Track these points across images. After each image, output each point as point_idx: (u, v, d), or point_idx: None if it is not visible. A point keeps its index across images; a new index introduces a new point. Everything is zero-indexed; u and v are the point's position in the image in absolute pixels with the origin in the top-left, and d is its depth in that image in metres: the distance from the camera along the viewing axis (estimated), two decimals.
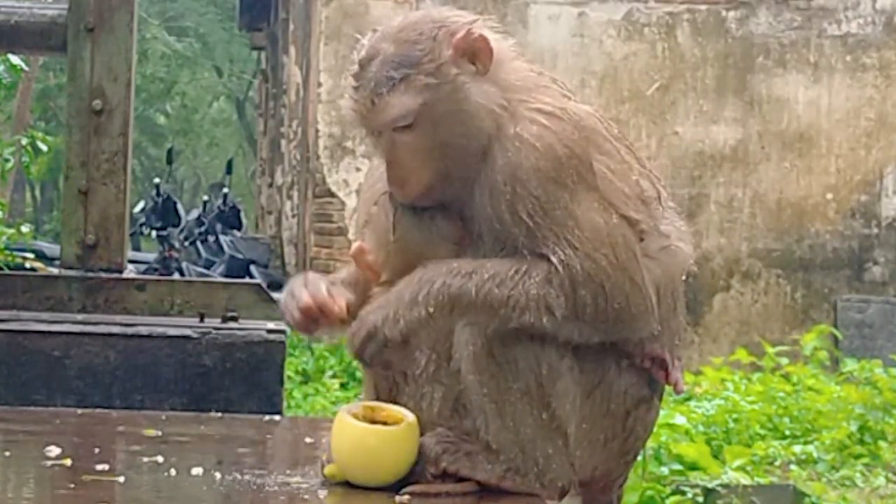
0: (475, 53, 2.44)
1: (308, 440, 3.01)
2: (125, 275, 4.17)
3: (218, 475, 2.53)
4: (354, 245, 2.55)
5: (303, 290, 2.51)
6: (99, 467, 2.55)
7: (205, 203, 17.36)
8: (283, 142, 18.17)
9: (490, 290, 2.37)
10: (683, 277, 2.56)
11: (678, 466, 7.67)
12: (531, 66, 2.53)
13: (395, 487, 2.40)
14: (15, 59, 9.08)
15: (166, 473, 2.54)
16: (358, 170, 12.65)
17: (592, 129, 2.46)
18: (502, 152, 2.41)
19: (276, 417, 3.55)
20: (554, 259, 2.36)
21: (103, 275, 4.09)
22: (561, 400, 2.42)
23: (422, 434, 2.43)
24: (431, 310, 2.38)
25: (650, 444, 6.95)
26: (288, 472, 2.59)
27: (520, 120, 2.42)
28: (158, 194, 16.02)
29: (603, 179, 2.43)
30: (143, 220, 15.80)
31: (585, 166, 2.42)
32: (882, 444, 8.92)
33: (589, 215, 2.39)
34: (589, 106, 2.51)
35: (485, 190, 2.42)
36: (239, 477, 2.52)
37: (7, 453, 2.73)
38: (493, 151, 2.42)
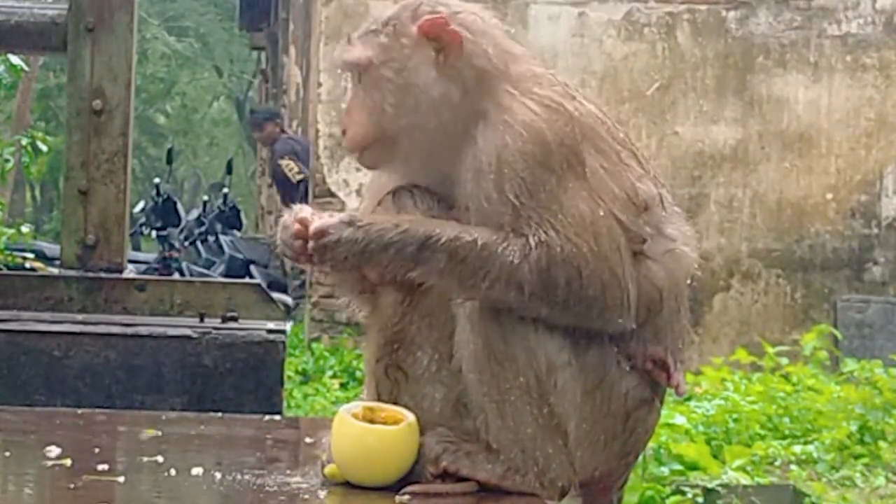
0: (442, 45, 2.48)
1: (308, 440, 3.00)
2: (125, 275, 4.16)
3: (218, 475, 2.53)
4: None
5: (300, 213, 2.48)
6: (99, 467, 2.55)
7: (205, 203, 17.33)
8: None
9: (462, 261, 2.38)
10: (688, 281, 2.56)
11: (678, 466, 7.67)
12: (538, 69, 2.53)
13: (395, 487, 2.40)
14: (15, 59, 9.09)
15: (166, 473, 2.54)
16: (358, 170, 12.64)
17: (590, 128, 2.47)
18: (490, 135, 2.43)
19: (276, 417, 3.55)
20: (532, 238, 2.37)
21: (103, 275, 4.09)
22: (560, 397, 2.42)
23: (422, 434, 2.43)
24: (395, 263, 2.39)
25: (650, 444, 6.95)
26: (288, 472, 2.59)
27: (507, 109, 2.44)
28: (158, 194, 15.99)
29: (594, 175, 2.44)
30: (143, 220, 15.77)
31: (575, 156, 2.43)
32: (882, 444, 8.91)
33: (574, 202, 2.40)
34: (594, 106, 2.51)
35: (470, 171, 2.44)
36: (239, 477, 2.52)
37: (7, 453, 2.73)
38: (479, 135, 2.44)
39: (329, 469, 2.47)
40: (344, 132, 2.55)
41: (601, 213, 2.41)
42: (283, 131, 15.04)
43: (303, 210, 2.47)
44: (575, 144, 2.43)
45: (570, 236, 2.37)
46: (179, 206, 16.36)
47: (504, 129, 2.42)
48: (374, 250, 2.39)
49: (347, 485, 2.44)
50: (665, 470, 7.54)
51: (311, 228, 2.41)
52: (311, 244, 2.41)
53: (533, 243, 2.37)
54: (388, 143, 2.51)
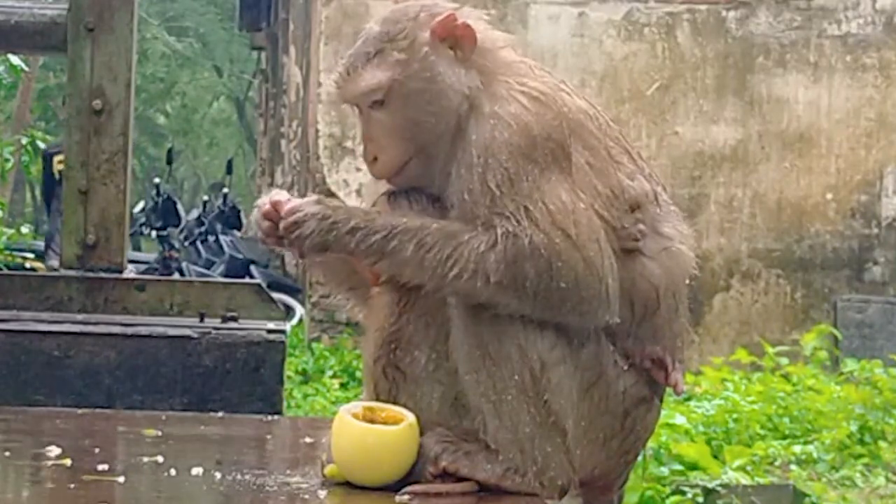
0: (456, 40, 2.48)
1: (308, 440, 3.01)
2: (125, 275, 4.16)
3: (218, 475, 2.53)
4: None
5: (274, 196, 2.53)
6: (99, 467, 2.55)
7: (205, 203, 17.35)
8: (283, 142, 18.17)
9: (429, 251, 2.39)
10: (686, 280, 2.56)
11: (678, 466, 7.67)
12: (524, 58, 2.54)
13: (395, 487, 2.40)
14: (15, 59, 9.09)
15: (166, 473, 2.55)
16: (358, 170, 12.64)
17: (578, 123, 2.47)
18: (479, 129, 2.44)
19: (276, 417, 3.55)
20: (500, 230, 2.37)
21: (103, 275, 4.09)
22: (556, 395, 2.42)
23: (422, 434, 2.44)
24: (362, 249, 2.42)
25: (650, 444, 6.95)
26: (288, 472, 2.59)
27: (499, 100, 2.45)
28: (158, 194, 15.99)
29: (579, 171, 2.44)
30: (143, 220, 15.77)
31: (562, 150, 2.43)
32: (882, 444, 8.92)
33: (556, 193, 2.40)
34: (585, 102, 2.52)
35: (461, 166, 2.44)
36: (239, 477, 2.52)
37: (7, 453, 2.73)
38: (470, 129, 2.45)
39: (329, 469, 2.47)
40: (373, 160, 2.51)
41: (581, 206, 2.41)
42: None
43: (278, 193, 2.51)
44: (562, 139, 2.43)
45: (542, 228, 2.37)
46: (179, 206, 16.36)
47: (494, 123, 2.42)
48: (340, 231, 2.42)
49: (347, 485, 2.44)
50: (665, 470, 7.55)
51: (285, 207, 2.45)
52: (282, 222, 2.45)
53: (500, 234, 2.37)
54: (423, 156, 2.50)
